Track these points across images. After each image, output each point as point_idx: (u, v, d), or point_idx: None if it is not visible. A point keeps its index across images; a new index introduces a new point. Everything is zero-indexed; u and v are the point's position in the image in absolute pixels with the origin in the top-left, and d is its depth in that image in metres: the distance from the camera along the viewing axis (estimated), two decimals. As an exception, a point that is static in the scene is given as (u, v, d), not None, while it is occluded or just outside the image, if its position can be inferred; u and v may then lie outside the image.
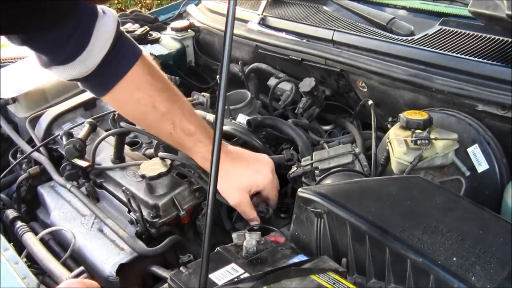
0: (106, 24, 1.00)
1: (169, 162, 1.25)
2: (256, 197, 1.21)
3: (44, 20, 0.90)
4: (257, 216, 1.18)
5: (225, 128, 1.38)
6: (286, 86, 1.63)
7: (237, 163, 1.17)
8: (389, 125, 1.23)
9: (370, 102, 1.37)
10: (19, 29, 0.91)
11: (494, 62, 1.20)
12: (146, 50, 1.86)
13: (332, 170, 1.16)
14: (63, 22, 0.93)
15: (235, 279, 0.85)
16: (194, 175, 1.24)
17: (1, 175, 1.47)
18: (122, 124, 1.37)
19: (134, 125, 1.35)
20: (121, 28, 1.05)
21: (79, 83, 1.08)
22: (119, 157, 1.39)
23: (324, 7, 1.71)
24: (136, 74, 1.07)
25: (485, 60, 1.21)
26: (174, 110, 1.11)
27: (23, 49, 1.00)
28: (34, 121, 1.62)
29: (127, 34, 1.07)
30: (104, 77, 1.05)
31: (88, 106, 1.67)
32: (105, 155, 1.42)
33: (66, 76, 1.03)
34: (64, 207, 1.36)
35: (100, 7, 1.01)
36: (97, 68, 1.02)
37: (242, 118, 1.45)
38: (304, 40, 1.57)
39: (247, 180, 1.16)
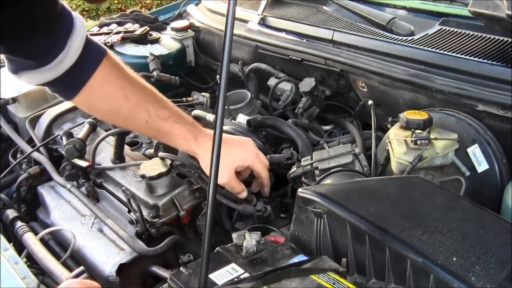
0: (79, 29, 1.03)
1: (169, 162, 1.25)
2: (249, 177, 1.23)
3: (31, 30, 0.93)
4: (245, 188, 1.20)
5: (225, 128, 1.38)
6: (286, 86, 1.63)
7: (223, 143, 1.17)
8: (389, 125, 1.23)
9: (370, 102, 1.37)
10: (3, 38, 0.92)
11: (494, 62, 1.20)
12: (146, 50, 1.86)
13: (332, 170, 1.16)
14: (48, 32, 0.97)
15: (235, 279, 0.85)
16: (194, 175, 1.24)
17: (1, 175, 1.47)
18: None
19: None
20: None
21: (47, 88, 1.09)
22: (119, 157, 1.39)
23: (324, 7, 1.71)
24: (104, 69, 1.09)
25: (485, 60, 1.21)
26: (146, 97, 1.14)
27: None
28: (34, 121, 1.62)
29: (88, 34, 1.10)
30: (74, 78, 1.07)
31: (88, 106, 1.67)
32: (105, 155, 1.42)
33: (37, 81, 1.04)
34: (64, 207, 1.36)
35: (70, 11, 1.04)
36: (68, 69, 1.04)
37: (242, 118, 1.45)
38: (304, 40, 1.57)
39: (233, 157, 1.18)
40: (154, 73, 1.71)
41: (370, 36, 1.44)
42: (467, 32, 1.33)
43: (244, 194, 1.20)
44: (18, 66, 1.02)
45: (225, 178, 1.17)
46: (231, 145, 1.20)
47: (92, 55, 1.08)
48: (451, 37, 1.34)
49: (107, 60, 1.10)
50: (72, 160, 1.35)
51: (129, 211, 1.23)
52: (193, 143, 1.16)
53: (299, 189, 0.97)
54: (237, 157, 1.19)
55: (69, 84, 1.08)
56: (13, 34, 0.91)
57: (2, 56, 1.05)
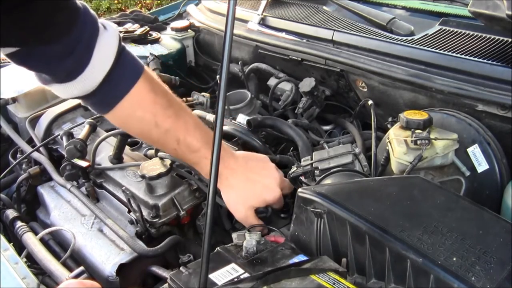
0: (108, 42, 0.98)
1: (169, 162, 1.25)
2: None
3: (42, 34, 0.89)
4: (261, 223, 1.17)
5: (225, 128, 1.38)
6: (286, 86, 1.63)
7: (245, 179, 1.16)
8: (389, 125, 1.23)
9: (370, 102, 1.37)
10: (15, 41, 0.89)
11: (494, 62, 1.20)
12: (146, 50, 1.86)
13: (332, 170, 1.16)
14: (61, 38, 0.91)
15: (235, 279, 0.85)
16: (193, 177, 1.24)
17: (1, 175, 1.47)
18: None
19: None
20: (123, 43, 1.02)
21: (81, 101, 1.07)
22: (118, 157, 1.39)
23: (324, 7, 1.71)
24: (138, 92, 1.05)
25: (485, 60, 1.21)
26: (178, 126, 1.09)
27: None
28: (34, 121, 1.62)
29: (129, 50, 1.05)
30: (105, 96, 1.03)
31: (88, 106, 1.67)
32: (105, 155, 1.42)
33: (67, 95, 1.02)
34: (64, 207, 1.36)
35: (101, 22, 0.99)
36: (99, 87, 0.99)
37: (242, 118, 1.45)
38: (304, 40, 1.57)
39: (255, 197, 1.15)
40: (154, 73, 1.71)
41: (370, 36, 1.44)
42: (467, 32, 1.33)
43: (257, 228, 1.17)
44: (47, 78, 0.99)
45: (242, 215, 1.15)
46: (258, 181, 1.16)
47: (126, 72, 1.03)
48: (451, 37, 1.34)
49: (143, 79, 1.05)
50: (72, 160, 1.35)
51: (129, 211, 1.23)
52: (221, 177, 1.11)
53: (299, 189, 0.97)
54: (260, 199, 1.15)
55: (102, 100, 1.04)
56: (20, 39, 0.88)
57: (3, 56, 1.04)
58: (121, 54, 1.02)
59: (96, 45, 0.96)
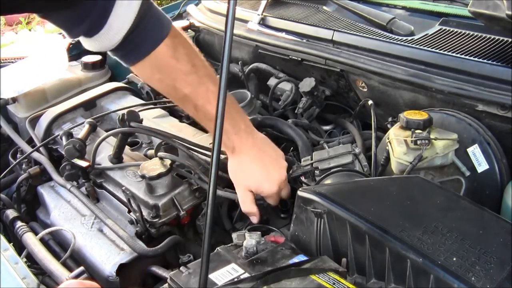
0: (127, 4, 0.99)
1: (169, 162, 1.24)
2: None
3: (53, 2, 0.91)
4: (258, 212, 1.18)
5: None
6: (286, 86, 1.63)
7: (254, 159, 1.16)
8: (389, 125, 1.23)
9: (370, 102, 1.37)
10: (29, 8, 0.92)
11: (494, 62, 1.20)
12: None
13: (332, 170, 1.16)
14: (75, 6, 0.94)
15: (235, 279, 0.85)
16: (194, 176, 1.24)
17: (1, 175, 1.47)
18: (133, 124, 1.34)
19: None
20: (149, 1, 1.05)
21: (111, 53, 1.10)
22: (117, 156, 1.39)
23: (324, 7, 1.71)
24: (159, 56, 1.07)
25: (485, 60, 1.21)
26: (197, 94, 1.10)
27: (23, 49, 1.00)
28: (34, 121, 1.63)
29: (157, 7, 1.07)
30: (127, 53, 1.07)
31: (88, 106, 1.67)
32: (105, 155, 1.42)
33: (92, 48, 1.05)
34: (64, 207, 1.36)
35: None
36: (119, 45, 1.02)
37: (242, 118, 1.44)
38: (304, 40, 1.57)
39: (254, 180, 1.16)
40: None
41: (370, 36, 1.44)
42: (467, 32, 1.33)
43: (254, 218, 1.19)
44: (72, 32, 1.01)
45: (240, 194, 1.17)
46: (266, 166, 1.16)
47: (152, 31, 1.05)
48: (451, 37, 1.34)
49: (167, 43, 1.07)
50: (72, 160, 1.35)
51: (129, 211, 1.23)
52: (229, 148, 1.14)
53: (299, 189, 0.97)
54: (259, 186, 1.16)
55: (128, 54, 1.07)
56: (33, 7, 0.91)
57: (3, 55, 1.05)
58: (146, 13, 1.03)
59: (114, 8, 0.97)
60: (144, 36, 1.04)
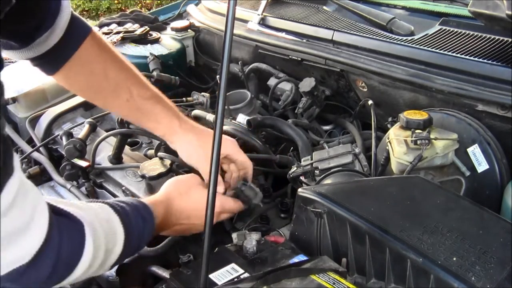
0: (65, 8, 1.01)
1: (168, 162, 1.25)
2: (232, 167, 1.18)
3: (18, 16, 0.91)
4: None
5: (225, 128, 1.38)
6: (286, 86, 1.63)
7: (197, 135, 1.15)
8: (389, 125, 1.23)
9: (370, 102, 1.37)
10: None
11: (494, 62, 1.20)
12: (146, 50, 1.86)
13: (332, 170, 1.16)
14: (33, 16, 0.95)
15: (235, 279, 0.85)
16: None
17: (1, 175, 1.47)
18: (132, 126, 1.36)
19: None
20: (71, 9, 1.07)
21: (29, 62, 1.08)
22: (117, 157, 1.39)
23: (324, 7, 1.71)
24: (87, 48, 1.08)
25: (485, 60, 1.21)
26: (128, 77, 1.12)
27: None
28: (34, 121, 1.62)
29: (75, 14, 1.08)
30: (57, 54, 1.05)
31: (88, 106, 1.67)
32: (105, 155, 1.42)
33: (19, 58, 1.04)
34: (64, 207, 1.36)
35: None
36: (51, 48, 1.03)
37: (242, 118, 1.45)
38: (304, 40, 1.57)
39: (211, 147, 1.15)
40: (154, 73, 1.71)
41: (370, 36, 1.44)
42: (467, 32, 1.33)
43: (221, 189, 1.14)
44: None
45: (206, 168, 1.14)
46: (209, 135, 1.13)
47: (75, 33, 1.06)
48: (451, 37, 1.34)
49: (91, 38, 1.09)
50: (72, 160, 1.35)
51: (129, 211, 1.23)
52: (175, 122, 1.13)
53: (299, 189, 0.97)
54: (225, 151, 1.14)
55: (51, 60, 1.07)
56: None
57: (4, 55, 1.04)
58: (72, 16, 1.05)
59: (60, 12, 0.99)
60: (74, 31, 1.05)
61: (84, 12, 6.19)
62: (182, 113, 1.17)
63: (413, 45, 1.35)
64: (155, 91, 1.14)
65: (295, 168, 1.24)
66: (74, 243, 0.76)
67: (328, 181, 1.14)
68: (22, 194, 0.67)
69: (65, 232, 0.74)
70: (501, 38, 1.26)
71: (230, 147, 1.16)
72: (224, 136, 1.14)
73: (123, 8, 6.09)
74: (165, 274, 1.09)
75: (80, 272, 0.77)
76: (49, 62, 1.08)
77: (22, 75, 1.72)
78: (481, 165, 1.14)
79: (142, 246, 0.96)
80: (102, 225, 0.81)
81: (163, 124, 1.14)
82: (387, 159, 1.17)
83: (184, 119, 1.15)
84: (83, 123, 1.52)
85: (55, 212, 0.75)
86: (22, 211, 0.67)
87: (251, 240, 0.95)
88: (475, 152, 1.14)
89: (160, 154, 1.27)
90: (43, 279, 0.72)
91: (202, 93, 1.64)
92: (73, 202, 0.83)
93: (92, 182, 1.37)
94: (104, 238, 0.80)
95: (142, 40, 1.91)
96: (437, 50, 1.30)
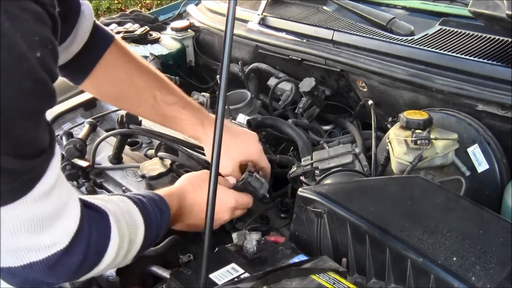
0: (87, 15, 1.04)
1: (169, 162, 1.25)
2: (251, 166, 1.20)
3: None
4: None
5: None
6: (286, 86, 1.63)
7: (226, 134, 1.16)
8: (389, 125, 1.23)
9: (370, 102, 1.37)
10: None
11: (494, 62, 1.20)
12: (146, 50, 1.86)
13: (332, 170, 1.16)
14: None
15: (235, 279, 0.85)
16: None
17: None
18: (132, 126, 1.35)
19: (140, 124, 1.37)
20: (94, 18, 1.09)
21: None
22: (117, 157, 1.39)
23: (324, 7, 1.71)
24: (112, 55, 1.10)
25: (485, 60, 1.21)
26: (153, 83, 1.14)
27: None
28: (34, 121, 1.62)
29: (98, 22, 1.11)
30: (81, 63, 1.08)
31: (88, 106, 1.67)
32: (105, 155, 1.42)
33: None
34: (64, 207, 1.36)
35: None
36: (76, 55, 1.05)
37: (242, 118, 1.45)
38: (304, 40, 1.57)
39: (240, 150, 1.16)
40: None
41: (370, 36, 1.44)
42: (467, 32, 1.33)
43: (233, 180, 1.17)
44: None
45: (229, 169, 1.16)
46: (238, 137, 1.19)
47: (99, 41, 1.09)
48: (451, 37, 1.34)
49: (115, 45, 1.11)
50: (72, 160, 1.35)
51: (129, 211, 1.23)
52: (200, 129, 1.15)
53: (299, 189, 0.97)
54: (244, 151, 1.17)
55: (77, 69, 1.09)
56: None
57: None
58: (95, 25, 1.08)
59: (80, 17, 1.02)
60: (97, 39, 1.08)
61: (84, 12, 6.17)
62: (207, 113, 1.19)
63: (413, 45, 1.35)
64: (180, 95, 1.16)
65: (295, 168, 1.24)
66: (101, 233, 0.77)
67: (328, 181, 1.14)
68: (60, 179, 0.69)
69: (93, 222, 0.76)
70: (501, 38, 1.26)
71: (256, 153, 1.18)
72: (254, 140, 1.20)
73: (123, 8, 6.08)
74: (165, 274, 1.09)
75: (106, 262, 0.79)
76: (75, 70, 1.09)
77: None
78: (481, 165, 1.14)
79: (159, 237, 0.97)
80: (124, 216, 0.83)
81: (188, 131, 1.17)
82: (387, 159, 1.17)
83: (208, 124, 1.16)
84: (83, 123, 1.52)
85: (82, 203, 0.77)
86: (61, 194, 0.70)
87: (251, 240, 0.95)
88: (475, 152, 1.14)
89: (160, 154, 1.27)
90: (74, 268, 0.73)
91: (202, 93, 1.64)
92: (96, 196, 0.84)
93: (92, 182, 1.37)
94: (127, 229, 0.82)
95: (142, 40, 1.91)
96: (437, 50, 1.30)
